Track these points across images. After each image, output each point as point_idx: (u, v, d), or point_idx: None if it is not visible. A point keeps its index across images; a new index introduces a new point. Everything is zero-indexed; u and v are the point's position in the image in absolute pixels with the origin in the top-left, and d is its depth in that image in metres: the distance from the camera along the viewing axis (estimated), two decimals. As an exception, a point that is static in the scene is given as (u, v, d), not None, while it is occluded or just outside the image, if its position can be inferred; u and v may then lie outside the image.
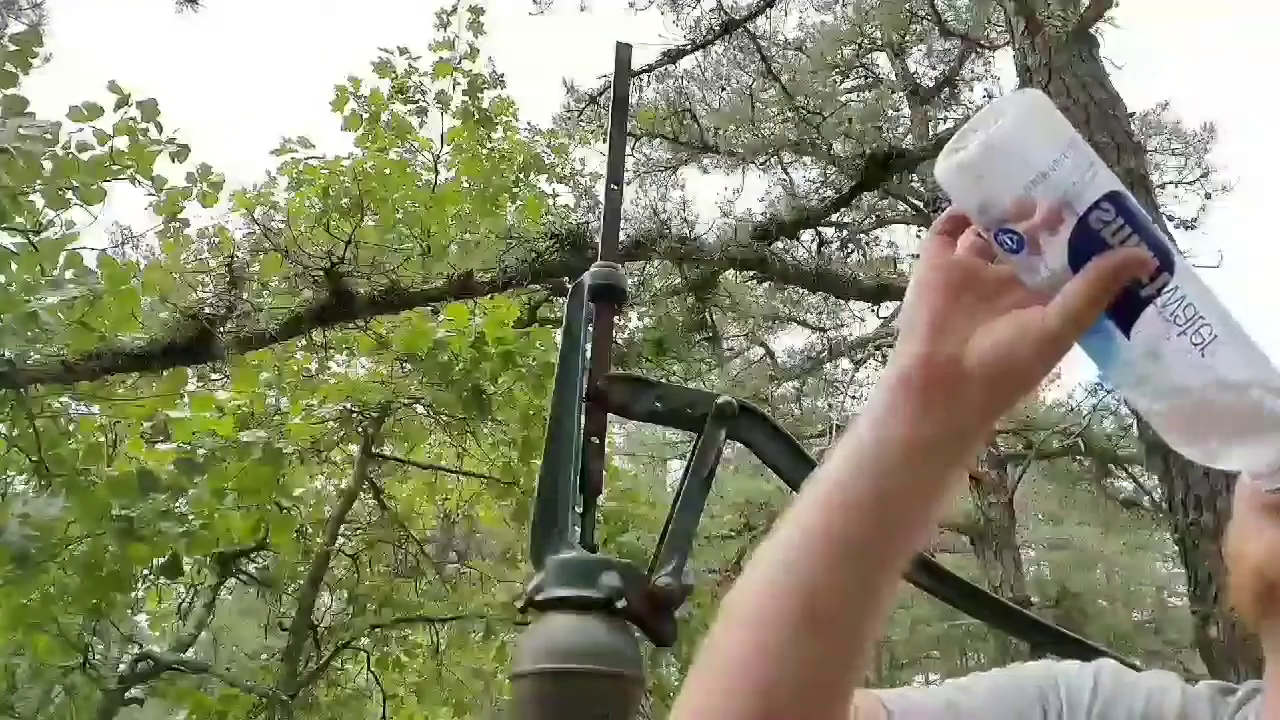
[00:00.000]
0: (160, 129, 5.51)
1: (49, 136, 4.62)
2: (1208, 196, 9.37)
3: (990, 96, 9.91)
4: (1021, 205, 0.54)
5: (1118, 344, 0.56)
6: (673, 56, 7.58)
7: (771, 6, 7.87)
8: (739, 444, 1.15)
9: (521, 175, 9.92)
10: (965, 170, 0.56)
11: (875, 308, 9.23)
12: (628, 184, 7.28)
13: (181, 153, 5.69)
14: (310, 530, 7.78)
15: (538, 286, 6.07)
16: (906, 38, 9.79)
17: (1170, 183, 9.36)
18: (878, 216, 10.54)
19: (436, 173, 9.10)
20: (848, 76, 10.71)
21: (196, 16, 6.40)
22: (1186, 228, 9.31)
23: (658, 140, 8.62)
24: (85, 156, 5.06)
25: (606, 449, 1.19)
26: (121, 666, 7.70)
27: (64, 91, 5.29)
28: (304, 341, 6.59)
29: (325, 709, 8.69)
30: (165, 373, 5.04)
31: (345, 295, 4.90)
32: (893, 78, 10.61)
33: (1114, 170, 0.56)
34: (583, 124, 8.66)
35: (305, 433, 5.98)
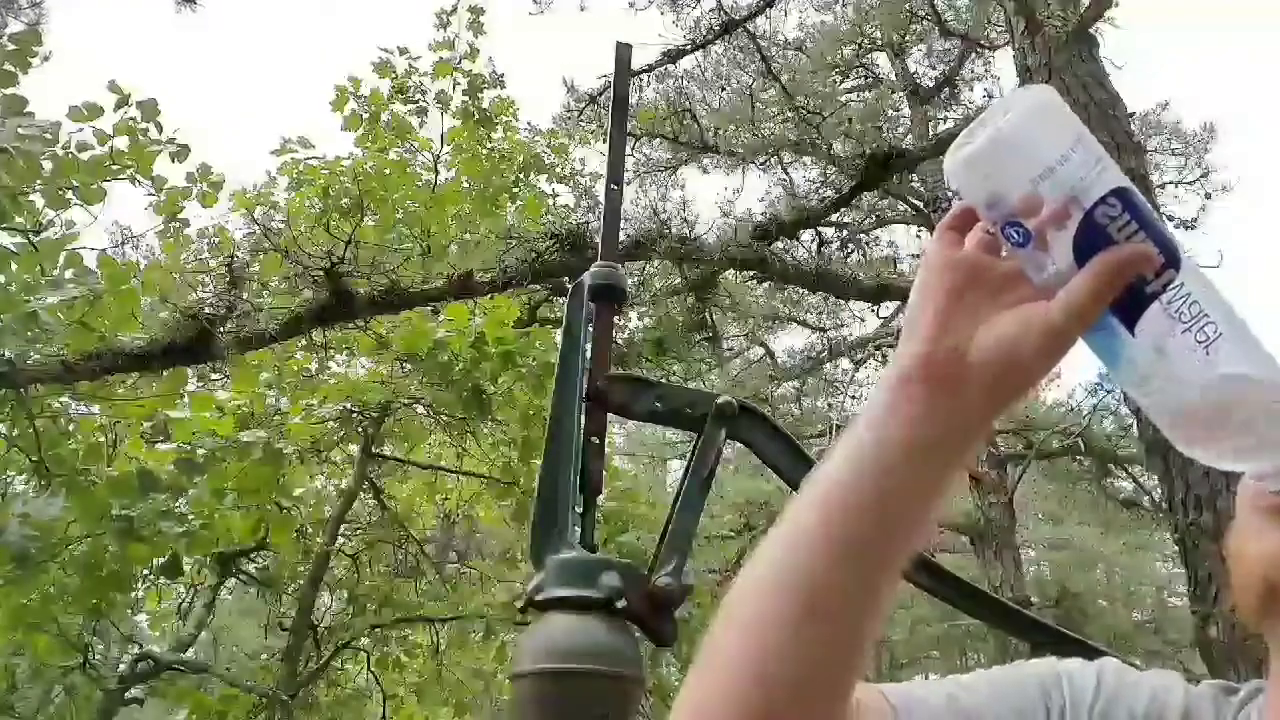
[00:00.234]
0: (160, 129, 5.51)
1: (49, 136, 4.62)
2: (1208, 196, 9.37)
3: (990, 96, 9.91)
4: (1028, 200, 0.54)
5: (1122, 341, 0.56)
6: (673, 56, 7.58)
7: (771, 6, 7.87)
8: (739, 444, 1.15)
9: (521, 175, 9.91)
10: (973, 164, 0.56)
11: (875, 308, 9.24)
12: (628, 184, 7.28)
13: (181, 153, 5.69)
14: (310, 530, 7.78)
15: (538, 286, 6.07)
16: (906, 38, 9.79)
17: (1170, 183, 9.37)
18: (878, 216, 10.55)
19: (436, 173, 9.11)
20: (848, 76, 10.71)
21: (196, 16, 6.40)
22: (1186, 228, 9.32)
23: (658, 140, 8.62)
24: (85, 156, 5.06)
25: (606, 449, 1.19)
26: (121, 666, 7.69)
27: (64, 91, 5.29)
28: (304, 341, 6.59)
29: (325, 709, 8.69)
30: (165, 373, 5.03)
31: (345, 295, 4.90)
32: (893, 78, 10.61)
33: (1115, 170, 0.56)
34: (583, 124, 8.66)
35: (305, 433, 5.98)
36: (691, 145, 7.97)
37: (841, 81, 10.55)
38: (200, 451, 4.88)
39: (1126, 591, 17.37)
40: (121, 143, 5.36)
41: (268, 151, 8.83)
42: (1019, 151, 0.54)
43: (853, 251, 9.31)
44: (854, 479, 0.57)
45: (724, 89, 9.96)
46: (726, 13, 7.50)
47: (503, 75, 9.34)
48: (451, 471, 8.78)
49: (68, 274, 4.56)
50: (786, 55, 9.60)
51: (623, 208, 1.77)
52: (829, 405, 10.75)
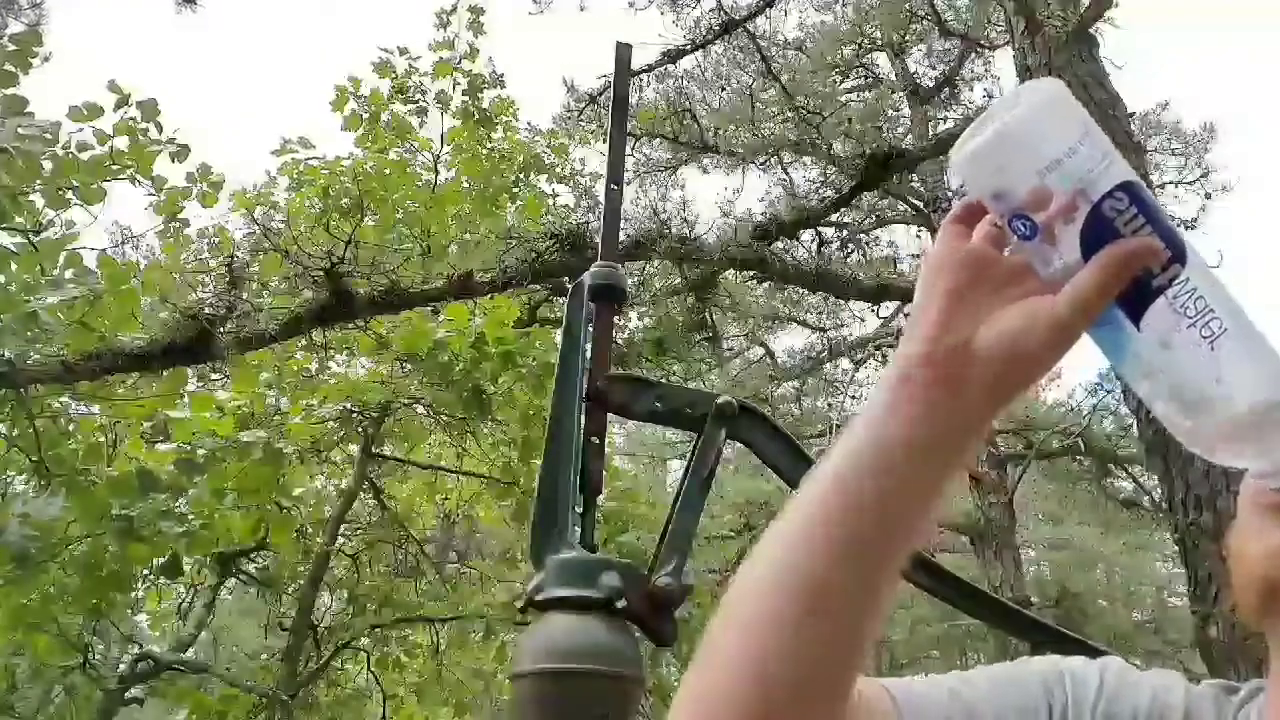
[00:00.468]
0: (160, 129, 5.51)
1: (49, 136, 4.62)
2: (1208, 196, 9.37)
3: (990, 96, 9.91)
4: (1035, 192, 0.54)
5: (1128, 335, 0.55)
6: (673, 56, 7.57)
7: (771, 6, 7.87)
8: (739, 444, 1.15)
9: (521, 175, 9.92)
10: (980, 156, 0.56)
11: (875, 308, 9.23)
12: (628, 184, 7.27)
13: (181, 153, 5.69)
14: (310, 530, 7.78)
15: (538, 286, 6.06)
16: (906, 38, 9.79)
17: (1170, 183, 9.37)
18: (878, 216, 10.55)
19: (436, 173, 9.11)
20: (848, 76, 10.71)
21: (196, 16, 6.40)
22: (1187, 228, 9.30)
23: (658, 140, 8.61)
24: (85, 156, 5.06)
25: (606, 449, 1.19)
26: (121, 666, 7.69)
27: (64, 91, 5.29)
28: (304, 341, 6.59)
29: (325, 709, 8.69)
30: (165, 373, 5.03)
31: (345, 295, 4.90)
32: (893, 78, 10.61)
33: (1117, 169, 0.56)
34: (583, 124, 8.66)
35: (305, 433, 5.98)
36: (691, 145, 7.97)
37: (841, 81, 10.55)
38: (200, 451, 4.88)
39: (1126, 591, 17.36)
40: (121, 143, 5.36)
41: (268, 151, 8.84)
42: (1026, 144, 0.54)
43: (853, 251, 9.31)
44: (854, 478, 0.56)
45: (724, 89, 9.96)
46: (726, 13, 7.50)
47: (503, 75, 9.35)
48: (451, 471, 8.78)
49: (68, 274, 4.56)
50: (786, 55, 9.59)
51: (623, 208, 1.77)
52: (829, 405, 10.75)
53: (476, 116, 9.19)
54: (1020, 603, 7.69)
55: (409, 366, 6.15)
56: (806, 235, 7.05)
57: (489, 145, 9.50)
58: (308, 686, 8.27)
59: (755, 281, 7.28)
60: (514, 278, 5.16)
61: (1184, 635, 10.19)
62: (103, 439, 5.43)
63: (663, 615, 1.01)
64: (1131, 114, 5.10)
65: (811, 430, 9.60)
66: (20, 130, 4.33)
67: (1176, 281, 0.54)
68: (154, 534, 4.65)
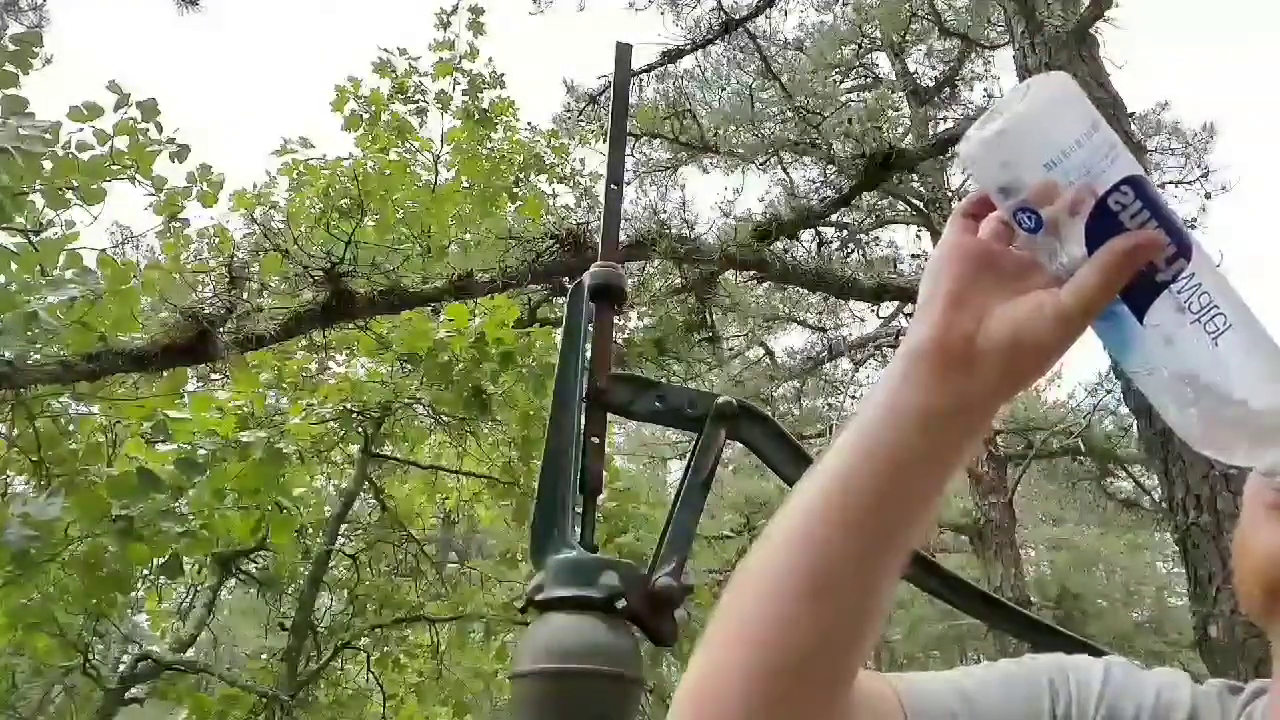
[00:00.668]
0: (160, 129, 5.51)
1: (49, 136, 4.62)
2: (1208, 196, 9.36)
3: (990, 96, 9.91)
4: (1041, 185, 0.54)
5: (1131, 329, 0.55)
6: (673, 56, 7.57)
7: (771, 6, 7.87)
8: (739, 444, 1.15)
9: (521, 175, 9.92)
10: (986, 148, 0.56)
11: (875, 308, 9.24)
12: (628, 184, 7.27)
13: (181, 153, 5.69)
14: (310, 530, 7.78)
15: (538, 286, 6.06)
16: (906, 38, 9.79)
17: (1170, 183, 9.36)
18: (878, 216, 10.54)
19: (436, 173, 9.11)
20: (848, 76, 10.71)
21: (197, 17, 6.40)
22: (1187, 227, 9.29)
23: (658, 140, 8.61)
24: (85, 156, 5.06)
25: (606, 449, 1.19)
26: (121, 666, 7.69)
27: (64, 91, 5.29)
28: (304, 341, 6.59)
29: (325, 709, 8.68)
30: (165, 373, 5.03)
31: (345, 295, 4.90)
32: (893, 78, 10.61)
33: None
34: (583, 124, 8.65)
35: (305, 433, 5.98)
36: (691, 145, 7.96)
37: (841, 81, 10.54)
38: (200, 451, 4.88)
39: (1126, 591, 17.36)
40: (121, 143, 5.36)
41: (268, 152, 8.84)
42: (1033, 136, 0.54)
43: (853, 251, 9.31)
44: (871, 448, 0.56)
45: (724, 89, 9.96)
46: (726, 13, 7.50)
47: (503, 75, 9.36)
48: (451, 471, 8.78)
49: (68, 274, 4.56)
50: (786, 55, 9.59)
51: (623, 208, 1.77)
52: (829, 405, 10.75)
53: (476, 116, 9.20)
54: (1020, 603, 7.69)
55: (409, 366, 6.15)
56: (806, 235, 7.05)
57: (489, 145, 9.50)
58: (308, 686, 8.27)
59: (755, 281, 7.27)
60: (514, 278, 5.16)
61: (1184, 635, 10.19)
62: (103, 439, 5.43)
63: (663, 615, 1.02)
64: (1131, 114, 5.10)
65: (811, 430, 9.60)
66: (20, 130, 4.33)
67: (1181, 277, 0.54)
68: (154, 534, 4.65)
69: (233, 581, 8.39)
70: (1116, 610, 15.69)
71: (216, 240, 8.52)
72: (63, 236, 4.78)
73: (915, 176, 9.03)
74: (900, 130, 10.00)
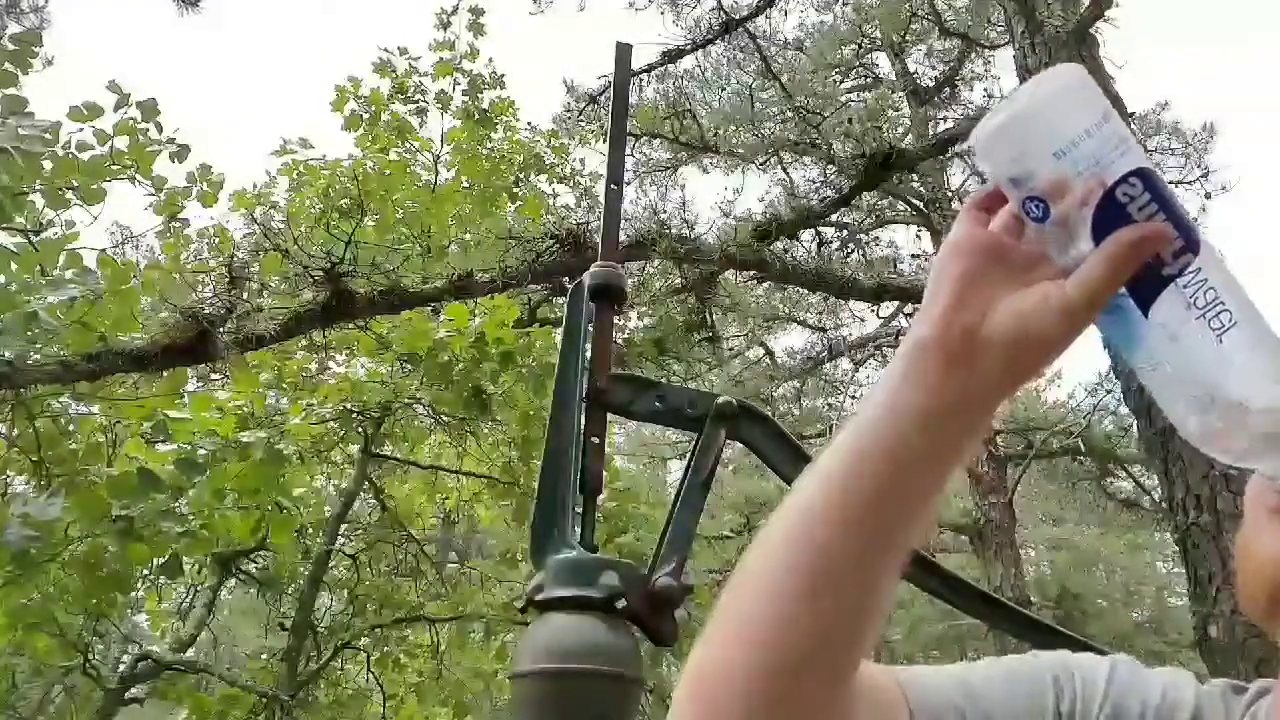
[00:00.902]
0: (160, 129, 5.51)
1: (49, 136, 4.62)
2: (1208, 196, 9.36)
3: (990, 96, 9.91)
4: (1049, 175, 0.54)
5: (1136, 323, 0.55)
6: (673, 56, 7.57)
7: (771, 6, 7.87)
8: (739, 444, 1.15)
9: (521, 175, 9.92)
10: (997, 136, 0.56)
11: (875, 308, 9.23)
12: (628, 184, 7.27)
13: (181, 153, 5.69)
14: (310, 530, 7.77)
15: (538, 286, 6.06)
16: (906, 38, 9.79)
17: (1170, 182, 9.33)
18: (877, 216, 10.54)
19: (436, 173, 9.11)
20: (848, 76, 10.71)
21: (197, 17, 6.40)
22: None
23: (658, 140, 8.61)
24: (85, 156, 5.06)
25: (606, 449, 1.19)
26: (121, 666, 7.69)
27: (64, 91, 5.29)
28: (304, 341, 6.59)
29: (325, 709, 8.68)
30: (165, 373, 5.03)
31: (345, 295, 4.89)
32: (893, 78, 10.60)
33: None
34: (583, 124, 8.65)
35: (305, 433, 5.98)
36: (691, 145, 7.96)
37: (841, 81, 10.54)
38: (200, 451, 4.88)
39: (1126, 591, 17.37)
40: (121, 143, 5.36)
41: (268, 152, 8.84)
42: (1042, 124, 0.54)
43: (853, 251, 9.31)
44: (871, 445, 0.56)
45: (724, 89, 9.96)
46: (726, 13, 7.50)
47: (503, 75, 9.36)
48: (451, 471, 8.78)
49: (68, 274, 4.56)
50: (786, 55, 9.59)
51: (623, 208, 1.77)
52: (829, 405, 10.75)
53: (476, 116, 9.20)
54: (1020, 603, 7.69)
55: (409, 366, 6.15)
56: (806, 235, 7.05)
57: (489, 145, 9.50)
58: (308, 686, 8.27)
59: (755, 281, 7.27)
60: (514, 278, 5.15)
61: (1184, 635, 10.19)
62: (103, 439, 5.42)
63: (663, 615, 1.02)
64: (1131, 114, 5.10)
65: (811, 430, 9.60)
66: (20, 130, 4.33)
67: (1188, 271, 0.53)
68: (154, 534, 4.65)
69: (233, 581, 8.39)
70: (1116, 610, 15.69)
71: (216, 240, 8.52)
72: (63, 236, 4.78)
73: (915, 176, 9.03)
74: (900, 130, 10.00)
